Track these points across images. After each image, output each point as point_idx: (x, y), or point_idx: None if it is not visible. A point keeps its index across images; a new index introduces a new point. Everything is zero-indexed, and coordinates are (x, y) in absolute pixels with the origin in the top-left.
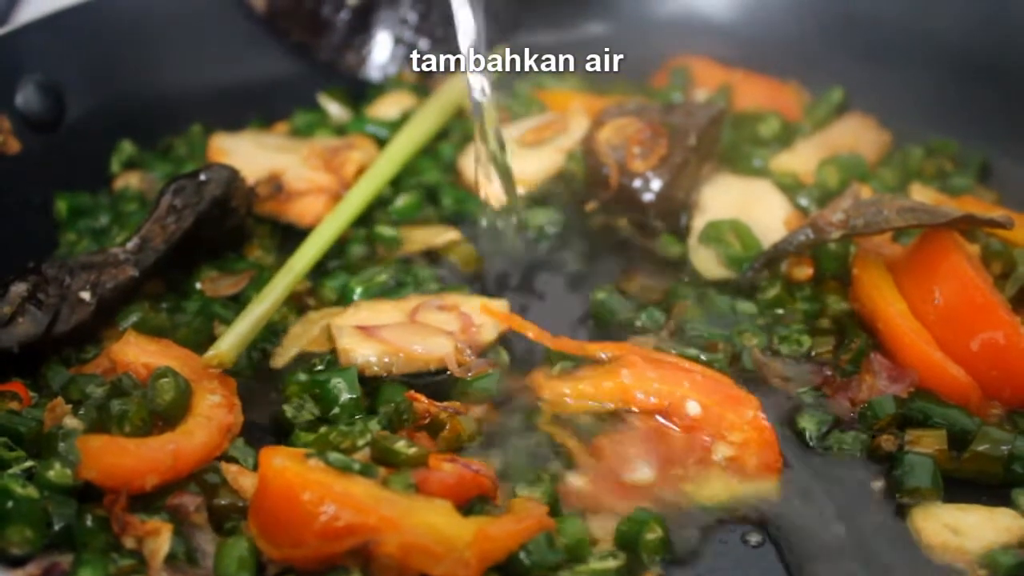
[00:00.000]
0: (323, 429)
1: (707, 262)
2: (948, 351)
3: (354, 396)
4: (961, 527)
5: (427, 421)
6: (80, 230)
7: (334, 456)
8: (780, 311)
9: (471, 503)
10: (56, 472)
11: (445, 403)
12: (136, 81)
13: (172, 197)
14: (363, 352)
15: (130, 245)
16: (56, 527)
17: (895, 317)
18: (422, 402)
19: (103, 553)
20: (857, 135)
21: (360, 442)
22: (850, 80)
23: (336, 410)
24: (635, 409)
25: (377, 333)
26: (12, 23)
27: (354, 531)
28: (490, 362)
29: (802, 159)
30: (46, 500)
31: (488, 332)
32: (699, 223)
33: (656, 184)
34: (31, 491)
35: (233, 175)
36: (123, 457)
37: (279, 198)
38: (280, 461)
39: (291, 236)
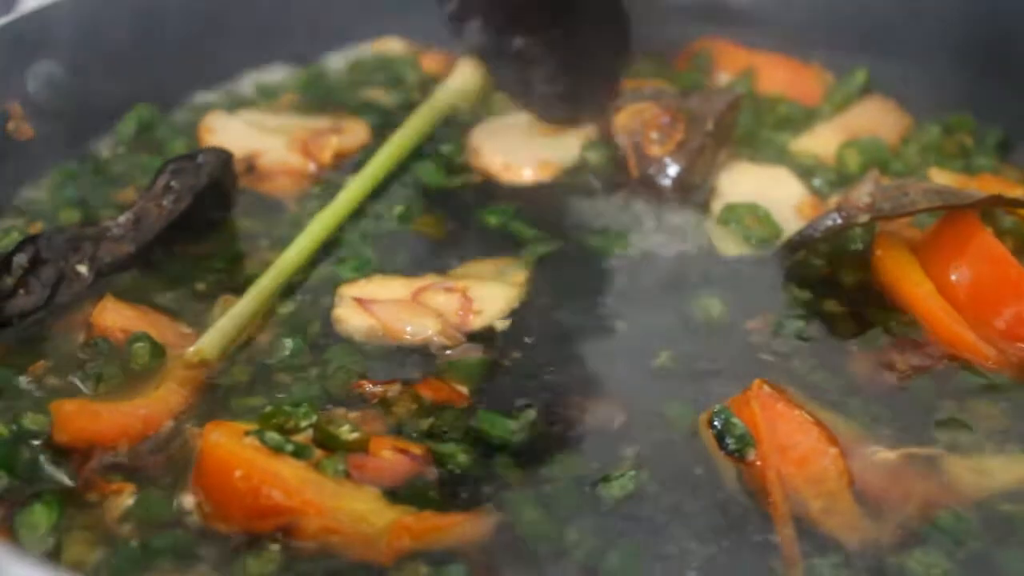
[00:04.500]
0: (269, 408)
1: (726, 241)
2: (976, 330)
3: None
4: (987, 469)
5: (376, 400)
6: (67, 198)
7: (269, 435)
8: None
9: (408, 482)
10: (30, 419)
11: (386, 383)
12: (146, 63)
13: (169, 177)
14: (353, 323)
15: (122, 219)
16: (26, 472)
17: (925, 298)
18: (365, 388)
19: (62, 497)
20: (877, 118)
21: (304, 423)
22: (867, 61)
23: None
24: None
25: (371, 307)
26: (19, 10)
27: (278, 511)
28: (476, 347)
29: (822, 142)
30: (19, 444)
31: (484, 318)
32: (717, 207)
33: (673, 169)
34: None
35: (228, 157)
36: (95, 421)
37: (251, 177)
38: (216, 437)
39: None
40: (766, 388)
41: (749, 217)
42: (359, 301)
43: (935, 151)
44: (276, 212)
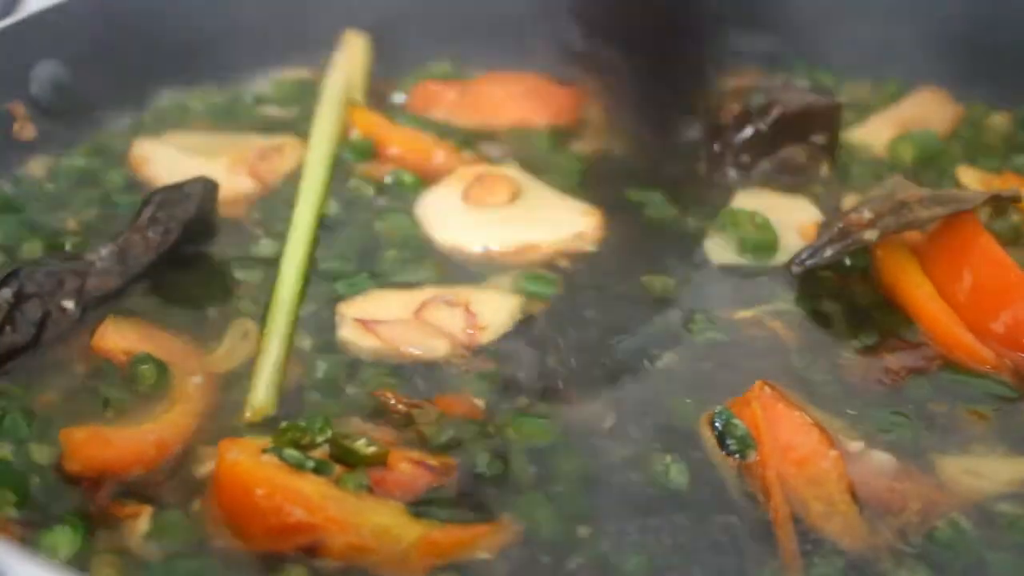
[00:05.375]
0: (284, 424)
1: (718, 248)
2: (975, 332)
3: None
4: (980, 471)
5: (399, 416)
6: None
7: (288, 452)
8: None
9: (428, 495)
10: (35, 449)
11: (413, 401)
12: (148, 65)
13: (155, 209)
14: (360, 346)
15: (105, 252)
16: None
17: (924, 299)
18: (389, 399)
19: (80, 521)
20: (930, 109)
21: (320, 439)
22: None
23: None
24: None
25: (375, 329)
26: (22, 10)
27: (302, 529)
28: (486, 360)
29: (876, 134)
30: (30, 474)
31: (492, 332)
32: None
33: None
34: (5, 452)
35: (214, 187)
36: (106, 449)
37: None
38: (234, 455)
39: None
40: (767, 389)
41: (747, 224)
42: (362, 323)
43: (978, 145)
44: (243, 238)
